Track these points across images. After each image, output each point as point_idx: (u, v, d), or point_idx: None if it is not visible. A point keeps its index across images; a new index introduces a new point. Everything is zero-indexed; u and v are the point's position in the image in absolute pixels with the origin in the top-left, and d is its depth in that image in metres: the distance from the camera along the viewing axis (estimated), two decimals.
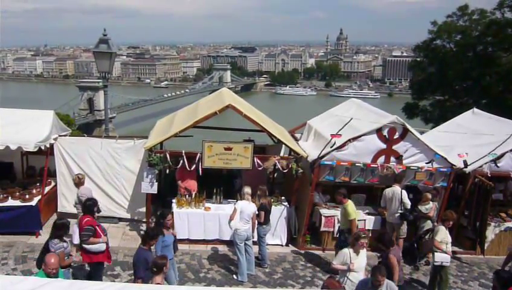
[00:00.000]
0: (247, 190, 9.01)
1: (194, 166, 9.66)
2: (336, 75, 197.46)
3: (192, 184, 10.34)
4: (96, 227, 7.47)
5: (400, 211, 9.66)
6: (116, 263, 9.15)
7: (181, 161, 9.63)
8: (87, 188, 9.42)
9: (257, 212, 9.11)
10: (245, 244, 8.86)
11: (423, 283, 9.22)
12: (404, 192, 9.65)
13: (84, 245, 7.41)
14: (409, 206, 9.61)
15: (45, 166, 10.43)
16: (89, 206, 7.69)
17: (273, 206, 10.35)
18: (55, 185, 10.93)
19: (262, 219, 9.12)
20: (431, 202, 9.67)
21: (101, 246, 7.45)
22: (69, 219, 7.58)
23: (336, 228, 10.08)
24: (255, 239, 9.44)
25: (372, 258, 10.14)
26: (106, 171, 10.77)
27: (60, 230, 6.99)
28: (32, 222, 9.84)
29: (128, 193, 10.81)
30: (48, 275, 5.72)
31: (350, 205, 8.96)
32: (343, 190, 9.18)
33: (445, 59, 24.97)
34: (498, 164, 9.88)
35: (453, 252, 10.45)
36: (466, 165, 9.82)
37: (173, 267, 7.83)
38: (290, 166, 9.84)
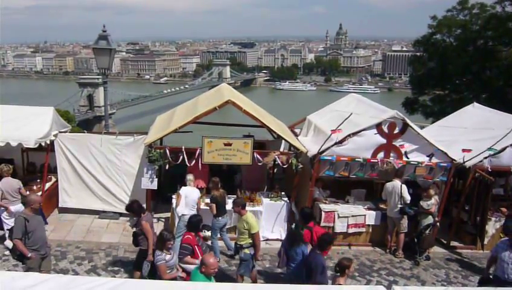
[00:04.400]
0: (190, 177, 9.20)
1: (193, 162, 9.66)
2: (336, 70, 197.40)
3: (201, 183, 10.41)
4: (195, 247, 7.11)
5: (399, 206, 9.68)
6: (116, 259, 9.18)
7: (181, 157, 9.62)
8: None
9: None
10: None
11: (423, 279, 9.25)
12: (404, 187, 9.65)
13: (180, 264, 7.05)
14: (408, 201, 9.62)
15: (45, 162, 10.44)
16: (194, 223, 7.35)
17: (272, 202, 10.41)
18: (56, 181, 10.97)
19: (214, 210, 8.99)
20: (433, 198, 9.67)
21: None
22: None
23: (336, 224, 10.11)
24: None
25: (372, 253, 10.20)
26: (107, 167, 10.80)
27: (160, 241, 6.73)
28: None
29: (129, 188, 10.84)
30: (208, 277, 5.74)
31: (251, 216, 7.96)
32: (241, 200, 8.32)
33: (445, 54, 24.89)
34: (491, 159, 9.85)
35: (453, 247, 10.52)
36: (464, 160, 9.82)
37: None
38: (290, 161, 9.85)
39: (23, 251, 7.02)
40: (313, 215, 8.09)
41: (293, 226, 7.93)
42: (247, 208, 9.88)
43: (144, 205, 10.25)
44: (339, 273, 6.33)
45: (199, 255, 6.94)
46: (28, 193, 9.73)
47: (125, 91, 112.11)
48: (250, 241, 7.78)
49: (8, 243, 7.24)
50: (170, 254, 6.74)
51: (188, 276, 6.76)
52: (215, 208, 9.01)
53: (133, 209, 7.68)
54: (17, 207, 9.01)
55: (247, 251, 7.79)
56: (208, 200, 9.37)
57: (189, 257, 7.04)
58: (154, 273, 6.90)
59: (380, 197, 10.35)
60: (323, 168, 9.79)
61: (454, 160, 9.81)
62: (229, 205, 9.30)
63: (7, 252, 9.11)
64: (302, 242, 7.37)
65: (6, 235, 9.15)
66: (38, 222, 7.28)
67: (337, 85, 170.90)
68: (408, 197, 9.62)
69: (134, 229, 7.72)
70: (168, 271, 6.69)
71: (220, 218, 9.10)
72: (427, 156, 9.78)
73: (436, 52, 25.67)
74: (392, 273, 9.37)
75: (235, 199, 8.39)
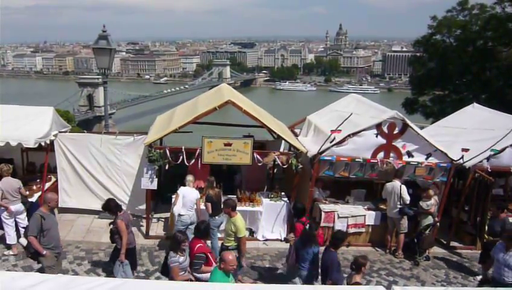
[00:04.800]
0: (190, 177, 9.22)
1: (193, 161, 9.65)
2: (336, 70, 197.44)
3: (202, 183, 10.41)
4: (209, 254, 7.01)
5: (399, 206, 9.68)
6: None
7: (181, 157, 9.61)
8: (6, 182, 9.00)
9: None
10: (188, 229, 8.91)
11: (423, 279, 9.25)
12: (404, 187, 9.66)
13: (194, 274, 6.91)
14: (408, 202, 9.63)
15: (45, 162, 10.44)
16: (203, 230, 7.19)
17: (272, 202, 10.40)
18: (56, 181, 10.96)
19: (210, 210, 9.00)
20: (432, 198, 9.67)
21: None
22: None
23: (336, 224, 10.12)
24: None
25: (372, 253, 10.21)
26: (107, 167, 10.81)
27: (173, 243, 6.67)
28: None
29: (129, 188, 10.85)
30: (227, 273, 5.83)
31: (240, 219, 7.78)
32: (232, 201, 8.07)
33: (445, 54, 24.88)
34: (489, 159, 9.85)
35: (453, 248, 10.53)
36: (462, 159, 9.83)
37: None
38: (290, 161, 9.84)
39: (38, 249, 7.02)
40: (306, 210, 8.22)
41: (307, 227, 7.93)
42: (248, 208, 10.03)
43: (144, 205, 10.34)
44: (354, 271, 6.44)
45: (213, 262, 6.88)
46: (28, 192, 9.77)
47: (125, 91, 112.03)
48: (236, 243, 7.70)
49: (23, 240, 7.22)
50: (184, 256, 6.67)
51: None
52: (211, 207, 9.03)
53: (110, 207, 7.68)
54: (17, 207, 9.05)
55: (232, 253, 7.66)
56: None
57: (203, 265, 6.93)
58: (167, 274, 6.87)
59: (380, 197, 10.36)
60: (323, 169, 9.79)
61: (454, 160, 9.81)
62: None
63: (6, 252, 9.13)
64: (315, 243, 7.40)
65: (6, 235, 9.15)
66: (53, 221, 7.33)
67: (337, 85, 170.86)
68: (407, 198, 9.62)
69: (111, 227, 7.73)
70: (181, 273, 6.64)
71: (216, 217, 9.09)
72: (426, 155, 9.78)
73: (436, 52, 25.66)
74: (392, 273, 9.37)
75: (226, 199, 8.27)
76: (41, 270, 7.19)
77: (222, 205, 8.36)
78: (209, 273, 6.61)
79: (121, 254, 7.46)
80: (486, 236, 9.03)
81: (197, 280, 6.83)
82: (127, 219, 7.76)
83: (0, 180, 8.95)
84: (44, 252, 7.07)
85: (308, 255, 7.34)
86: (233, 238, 7.68)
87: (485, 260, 8.84)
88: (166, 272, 6.91)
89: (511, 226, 8.74)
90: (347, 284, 6.49)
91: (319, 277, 7.34)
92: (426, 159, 9.80)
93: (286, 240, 7.89)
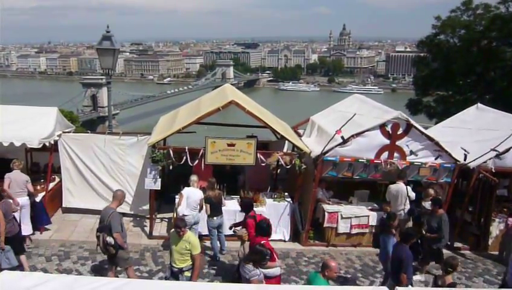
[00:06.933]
0: (194, 178, 9.25)
1: (196, 162, 9.65)
2: (339, 70, 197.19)
3: (204, 183, 10.39)
4: (272, 250, 7.00)
5: (407, 207, 9.70)
6: None
7: (184, 157, 9.61)
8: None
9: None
10: (192, 229, 8.88)
11: (426, 280, 9.20)
12: (409, 187, 9.70)
13: (259, 268, 6.63)
14: (413, 198, 9.70)
15: (49, 162, 10.47)
16: (266, 228, 7.21)
17: (275, 202, 10.39)
18: (59, 181, 11.00)
19: (208, 211, 9.06)
20: None
21: (277, 271, 7.10)
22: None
23: (340, 224, 10.11)
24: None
25: (375, 254, 10.18)
26: (110, 167, 10.83)
27: (254, 255, 6.50)
28: (37, 218, 9.87)
29: (133, 188, 10.85)
30: (330, 280, 6.00)
31: (192, 235, 7.34)
32: (180, 219, 7.54)
33: (449, 54, 24.84)
34: (495, 160, 9.83)
35: (457, 249, 10.48)
36: (465, 158, 9.81)
37: None
38: (294, 162, 9.83)
39: (122, 244, 7.47)
40: (253, 205, 8.42)
41: (385, 215, 8.45)
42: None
43: (148, 206, 10.35)
44: (445, 272, 6.67)
45: (276, 258, 7.12)
46: (38, 187, 9.97)
47: (129, 91, 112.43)
48: (191, 263, 7.12)
49: (110, 239, 7.25)
50: (259, 269, 6.50)
51: (267, 279, 6.78)
52: (210, 208, 9.08)
53: None
54: (24, 200, 9.22)
55: (188, 273, 7.13)
56: None
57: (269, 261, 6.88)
58: None
59: (383, 198, 10.32)
60: (327, 169, 9.77)
61: (458, 161, 9.78)
62: (225, 206, 9.54)
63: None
64: (387, 232, 7.97)
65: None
66: None
67: (341, 86, 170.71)
68: (413, 194, 9.72)
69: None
70: None
71: (214, 218, 9.15)
72: (436, 156, 9.75)
73: (440, 52, 25.62)
74: None
75: (176, 221, 7.60)
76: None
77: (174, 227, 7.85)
78: (275, 269, 7.03)
79: (0, 241, 7.57)
80: (424, 232, 9.01)
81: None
82: (5, 208, 7.79)
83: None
84: (126, 246, 7.61)
85: (382, 242, 8.23)
86: (187, 258, 7.08)
87: (423, 256, 9.15)
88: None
89: (447, 223, 8.78)
90: (439, 285, 6.67)
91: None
92: (436, 159, 9.77)
93: (239, 237, 8.00)
